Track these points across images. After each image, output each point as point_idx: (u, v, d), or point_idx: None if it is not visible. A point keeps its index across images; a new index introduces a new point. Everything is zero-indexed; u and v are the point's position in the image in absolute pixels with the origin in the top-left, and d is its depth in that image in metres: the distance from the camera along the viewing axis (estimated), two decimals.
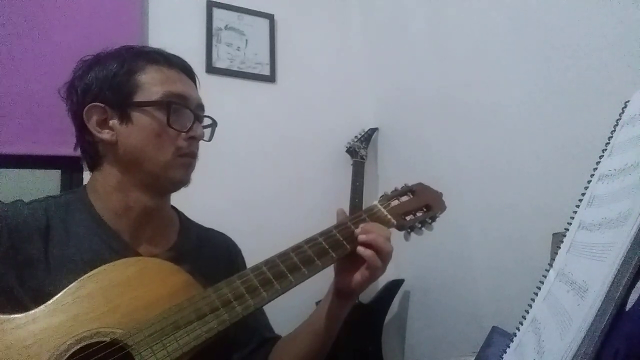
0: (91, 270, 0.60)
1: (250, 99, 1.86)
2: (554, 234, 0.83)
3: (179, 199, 0.82)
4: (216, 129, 0.84)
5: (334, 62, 2.09)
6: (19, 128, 1.43)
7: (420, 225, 0.78)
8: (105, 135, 0.71)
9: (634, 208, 0.38)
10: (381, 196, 0.80)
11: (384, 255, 0.69)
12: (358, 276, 0.70)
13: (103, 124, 0.72)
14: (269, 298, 0.63)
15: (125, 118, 0.71)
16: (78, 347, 0.54)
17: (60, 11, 1.52)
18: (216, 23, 1.83)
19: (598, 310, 0.36)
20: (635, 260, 0.36)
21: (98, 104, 0.71)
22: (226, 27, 1.86)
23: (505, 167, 1.33)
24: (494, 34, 1.38)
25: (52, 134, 1.45)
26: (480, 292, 1.40)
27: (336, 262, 0.71)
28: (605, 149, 0.52)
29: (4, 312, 0.56)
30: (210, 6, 1.83)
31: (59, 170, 1.57)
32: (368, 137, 1.93)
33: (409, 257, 1.69)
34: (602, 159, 0.52)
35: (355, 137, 1.92)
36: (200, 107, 0.78)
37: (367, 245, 0.68)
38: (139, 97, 0.71)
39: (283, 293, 0.64)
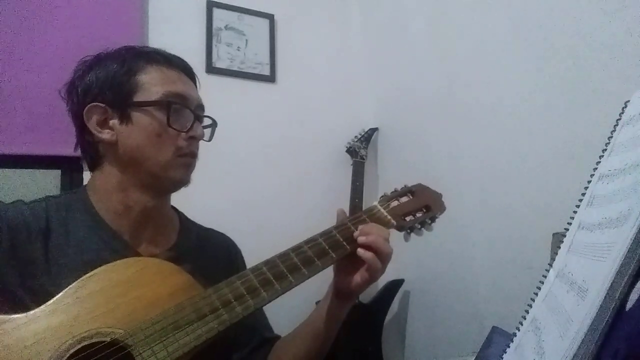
0: (91, 270, 0.60)
1: (250, 99, 1.86)
2: (554, 234, 0.83)
3: (179, 199, 0.82)
4: (216, 129, 0.84)
5: (334, 62, 2.09)
6: (19, 128, 1.43)
7: (420, 226, 0.78)
8: (106, 135, 0.71)
9: (634, 208, 0.38)
10: (381, 197, 0.80)
11: (383, 257, 0.69)
12: (358, 277, 0.70)
13: (103, 124, 0.72)
14: (269, 298, 0.63)
15: (125, 118, 0.71)
16: (78, 347, 0.54)
17: (60, 11, 1.53)
18: (216, 23, 1.83)
19: (598, 311, 0.36)
20: (635, 260, 0.36)
21: (98, 104, 0.71)
22: (226, 27, 1.86)
23: (505, 167, 1.33)
24: (494, 34, 1.38)
25: (52, 134, 1.45)
26: (480, 292, 1.40)
27: (336, 263, 0.71)
28: (605, 149, 0.52)
29: (4, 312, 0.56)
30: (210, 6, 1.83)
31: (59, 170, 1.57)
32: (368, 137, 1.93)
33: (408, 257, 1.69)
34: (602, 159, 0.52)
35: (355, 137, 1.92)
36: (200, 107, 0.78)
37: (366, 247, 0.68)
38: (139, 97, 0.71)
39: (283, 293, 0.64)
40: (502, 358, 0.54)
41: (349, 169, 1.85)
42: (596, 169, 0.52)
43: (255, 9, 1.92)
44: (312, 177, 1.93)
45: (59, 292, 0.58)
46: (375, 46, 2.07)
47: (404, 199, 0.80)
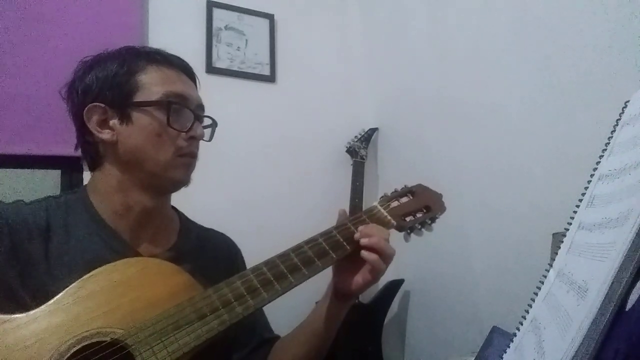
0: (92, 270, 0.60)
1: (250, 99, 1.86)
2: (554, 234, 0.83)
3: (179, 199, 0.82)
4: (216, 129, 0.84)
5: (334, 62, 2.09)
6: (19, 128, 1.43)
7: (420, 226, 0.78)
8: (106, 135, 0.71)
9: (634, 208, 0.38)
10: (381, 197, 0.80)
11: (386, 258, 0.69)
12: (359, 278, 0.70)
13: (103, 124, 0.72)
14: (269, 298, 0.63)
15: (125, 118, 0.71)
16: (79, 347, 0.55)
17: (60, 11, 1.53)
18: (216, 23, 1.83)
19: (598, 310, 0.36)
20: (635, 260, 0.36)
21: (98, 104, 0.71)
22: (226, 27, 1.86)
23: (505, 167, 1.33)
24: (494, 34, 1.38)
25: (52, 134, 1.45)
26: (480, 292, 1.40)
27: (336, 263, 0.71)
28: (605, 149, 0.52)
29: (4, 312, 0.56)
30: (210, 6, 1.83)
31: (59, 170, 1.57)
32: (368, 137, 1.93)
33: (409, 257, 1.69)
34: (602, 159, 0.52)
35: (355, 137, 1.92)
36: (201, 107, 0.78)
37: (369, 249, 0.68)
38: (139, 97, 0.71)
39: (283, 293, 0.64)
40: (502, 358, 0.54)
41: (349, 169, 1.85)
42: (596, 169, 0.52)
43: (255, 9, 1.92)
44: (312, 177, 1.93)
45: (60, 292, 0.58)
46: (375, 46, 2.07)
47: (404, 200, 0.80)
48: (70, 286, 0.59)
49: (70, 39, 1.51)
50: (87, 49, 0.77)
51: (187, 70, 0.79)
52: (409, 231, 0.78)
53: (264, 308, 0.74)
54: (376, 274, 0.69)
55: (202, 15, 1.81)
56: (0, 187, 1.65)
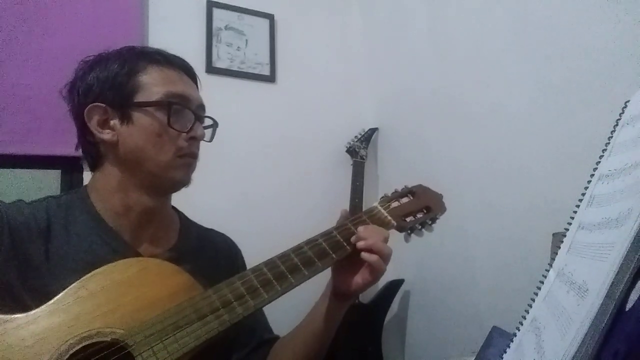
0: (92, 270, 0.61)
1: (250, 99, 1.86)
2: (554, 234, 0.83)
3: (180, 199, 0.82)
4: (216, 129, 0.84)
5: (334, 62, 2.09)
6: (19, 128, 1.43)
7: (420, 227, 0.78)
8: (106, 135, 0.71)
9: (634, 208, 0.38)
10: (381, 197, 0.80)
11: (383, 258, 0.69)
12: (358, 279, 0.70)
13: (104, 124, 0.72)
14: (269, 299, 0.63)
15: (126, 118, 0.71)
16: (79, 347, 0.55)
17: (60, 11, 1.52)
18: (216, 23, 1.83)
19: (598, 311, 0.36)
20: (635, 260, 0.36)
21: (99, 104, 0.71)
22: (226, 27, 1.86)
23: (505, 167, 1.33)
24: (494, 34, 1.38)
25: (52, 134, 1.45)
26: (480, 292, 1.40)
27: (335, 263, 0.71)
28: (605, 149, 0.52)
29: (5, 312, 0.56)
30: (210, 6, 1.83)
31: (59, 170, 1.57)
32: (368, 137, 1.93)
33: (409, 257, 1.69)
34: (602, 159, 0.52)
35: (355, 137, 1.92)
36: (201, 107, 0.79)
37: (367, 250, 0.68)
38: (140, 98, 0.71)
39: (283, 294, 0.64)
40: (502, 358, 0.54)
41: (349, 169, 1.85)
42: (596, 169, 0.52)
43: (255, 9, 1.92)
44: (312, 177, 1.93)
45: (60, 292, 0.58)
46: (375, 46, 2.07)
47: (405, 200, 0.80)
48: (71, 286, 0.59)
49: (70, 39, 1.51)
50: (87, 49, 0.77)
51: (188, 71, 0.79)
52: (409, 231, 0.78)
53: (264, 308, 0.74)
54: (376, 274, 0.69)
55: (202, 15, 1.81)
56: (0, 187, 1.65)
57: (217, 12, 1.84)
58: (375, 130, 1.99)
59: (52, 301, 0.57)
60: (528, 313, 0.53)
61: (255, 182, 1.80)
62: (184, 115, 0.73)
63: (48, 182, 1.64)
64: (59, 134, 1.43)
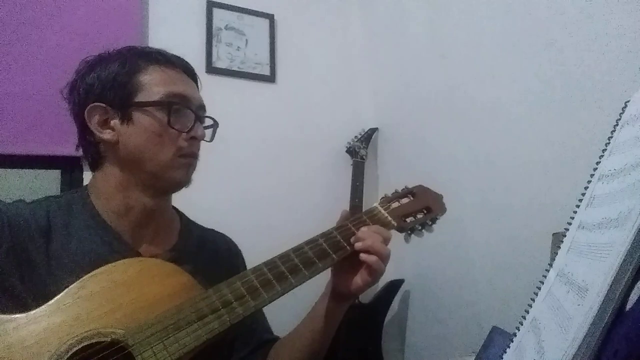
0: (92, 270, 0.61)
1: (250, 99, 1.86)
2: (554, 234, 0.83)
3: (180, 199, 0.82)
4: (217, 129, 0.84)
5: (334, 62, 2.09)
6: (19, 128, 1.43)
7: (420, 227, 0.78)
8: (107, 135, 0.71)
9: (634, 208, 0.38)
10: (381, 198, 0.80)
11: (382, 259, 0.69)
12: (358, 279, 0.70)
13: (104, 124, 0.72)
14: (270, 299, 0.63)
15: (126, 118, 0.71)
16: (79, 347, 0.55)
17: (60, 11, 1.52)
18: (216, 23, 1.83)
19: (598, 310, 0.36)
20: (635, 260, 0.36)
21: (99, 104, 0.71)
22: (226, 27, 1.86)
23: (505, 167, 1.33)
24: (494, 34, 1.38)
25: (52, 134, 1.45)
26: (480, 292, 1.40)
27: (335, 264, 0.71)
28: (605, 149, 0.52)
29: (5, 312, 0.56)
30: (210, 6, 1.83)
31: (59, 170, 1.57)
32: (368, 137, 1.93)
33: (409, 257, 1.69)
34: (602, 159, 0.52)
35: (355, 137, 1.92)
36: (202, 107, 0.78)
37: (366, 251, 0.68)
38: (140, 97, 0.71)
39: (283, 294, 0.64)
40: (502, 358, 0.54)
41: (349, 169, 1.85)
42: (596, 169, 0.52)
43: (255, 9, 1.92)
44: (312, 177, 1.93)
45: (60, 292, 0.58)
46: (375, 46, 2.07)
47: (405, 200, 0.80)
48: (71, 286, 0.59)
49: (70, 39, 1.51)
50: (87, 49, 0.77)
51: (188, 71, 0.79)
52: (409, 232, 0.78)
53: (264, 309, 0.74)
54: (375, 275, 0.69)
55: (202, 15, 1.81)
56: (0, 187, 1.65)
57: (217, 12, 1.84)
58: (375, 130, 1.99)
59: (52, 301, 0.57)
60: (528, 313, 0.53)
61: (255, 182, 1.80)
62: (185, 115, 0.73)
63: (48, 182, 1.64)
64: (59, 134, 1.43)
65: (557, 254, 0.53)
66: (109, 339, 0.56)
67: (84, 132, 0.74)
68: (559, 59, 1.16)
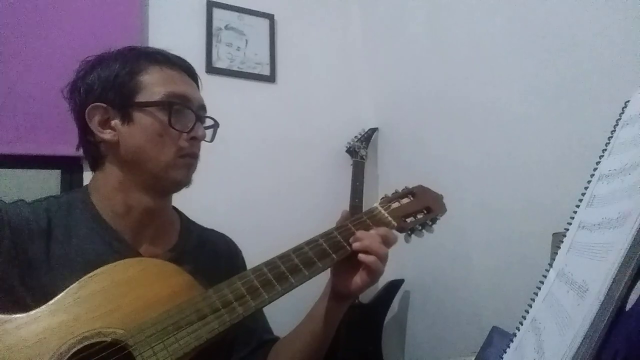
0: (92, 270, 0.60)
1: (250, 99, 1.86)
2: (554, 234, 0.83)
3: (180, 199, 0.82)
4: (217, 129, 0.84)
5: (334, 62, 2.09)
6: (19, 128, 1.43)
7: (420, 227, 0.78)
8: (107, 135, 0.71)
9: (634, 208, 0.38)
10: (382, 198, 0.80)
11: (380, 259, 0.69)
12: (357, 279, 0.70)
13: (105, 124, 0.72)
14: (270, 299, 0.63)
15: (127, 118, 0.71)
16: (79, 347, 0.55)
17: (60, 11, 1.53)
18: (216, 23, 1.83)
19: (598, 310, 0.36)
20: (635, 260, 0.36)
21: (100, 104, 0.71)
22: (226, 27, 1.86)
23: (505, 168, 1.33)
24: (493, 34, 1.38)
25: (52, 134, 1.45)
26: (480, 292, 1.40)
27: (335, 264, 0.71)
28: (605, 149, 0.52)
29: (5, 312, 0.56)
30: (210, 6, 1.83)
31: (59, 170, 1.57)
32: (368, 137, 1.93)
33: (409, 257, 1.69)
34: (602, 159, 0.52)
35: (355, 137, 1.93)
36: (202, 107, 0.78)
37: (364, 251, 0.68)
38: (141, 98, 0.71)
39: (284, 294, 0.64)
40: (502, 358, 0.54)
41: (349, 169, 1.85)
42: (596, 169, 0.52)
43: (255, 9, 1.92)
44: (312, 177, 1.93)
45: (60, 292, 0.58)
46: (375, 46, 2.07)
47: (405, 201, 0.79)
48: (71, 286, 0.59)
49: (71, 39, 1.51)
50: (87, 49, 0.77)
51: (189, 71, 0.79)
52: (409, 232, 0.78)
53: (264, 309, 0.74)
54: (374, 275, 0.69)
55: (202, 15, 1.81)
56: (0, 187, 1.65)
57: (217, 12, 1.84)
58: (375, 130, 1.99)
59: (52, 301, 0.57)
60: (528, 313, 0.53)
61: (255, 182, 1.80)
62: (185, 116, 0.73)
63: (48, 182, 1.64)
64: (59, 134, 1.43)
65: (557, 254, 0.53)
66: (109, 339, 0.56)
67: (85, 132, 0.74)
68: (559, 59, 1.16)
